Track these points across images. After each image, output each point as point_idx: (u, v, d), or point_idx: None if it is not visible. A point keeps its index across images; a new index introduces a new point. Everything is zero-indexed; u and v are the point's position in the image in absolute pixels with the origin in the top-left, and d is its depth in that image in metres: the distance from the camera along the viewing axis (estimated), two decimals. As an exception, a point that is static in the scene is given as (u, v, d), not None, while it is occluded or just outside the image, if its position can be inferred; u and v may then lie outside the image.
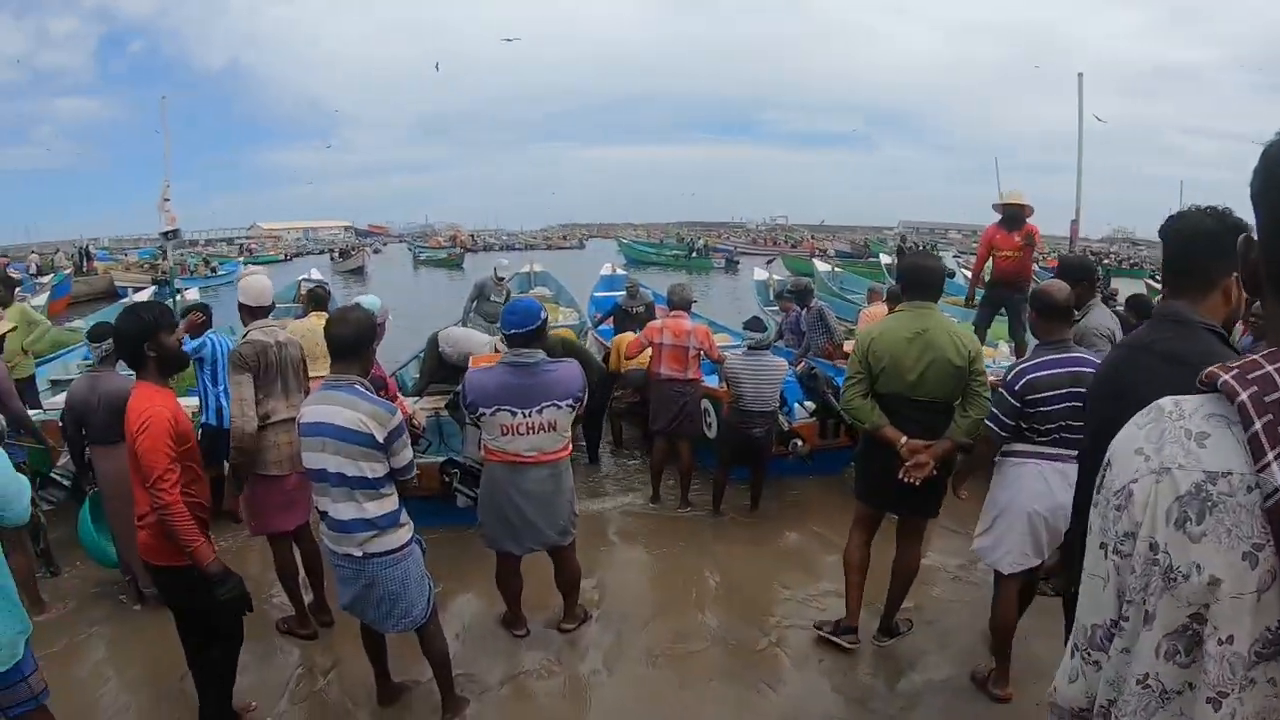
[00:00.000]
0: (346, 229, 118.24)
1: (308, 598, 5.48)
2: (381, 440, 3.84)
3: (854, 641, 5.07)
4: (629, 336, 8.61)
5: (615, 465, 9.10)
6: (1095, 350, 4.81)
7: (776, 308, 12.98)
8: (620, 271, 19.54)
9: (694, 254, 49.74)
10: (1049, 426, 4.25)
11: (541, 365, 4.76)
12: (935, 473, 4.57)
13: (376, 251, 63.03)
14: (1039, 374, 4.21)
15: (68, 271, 33.55)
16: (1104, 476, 1.28)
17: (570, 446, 5.05)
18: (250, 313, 5.43)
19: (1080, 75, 13.94)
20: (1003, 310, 9.43)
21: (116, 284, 31.50)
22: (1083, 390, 3.92)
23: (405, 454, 3.99)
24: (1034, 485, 4.31)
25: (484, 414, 4.76)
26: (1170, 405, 1.23)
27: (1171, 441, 1.18)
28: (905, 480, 4.52)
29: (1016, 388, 4.23)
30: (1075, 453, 3.88)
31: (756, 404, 7.00)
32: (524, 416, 4.72)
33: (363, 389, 3.93)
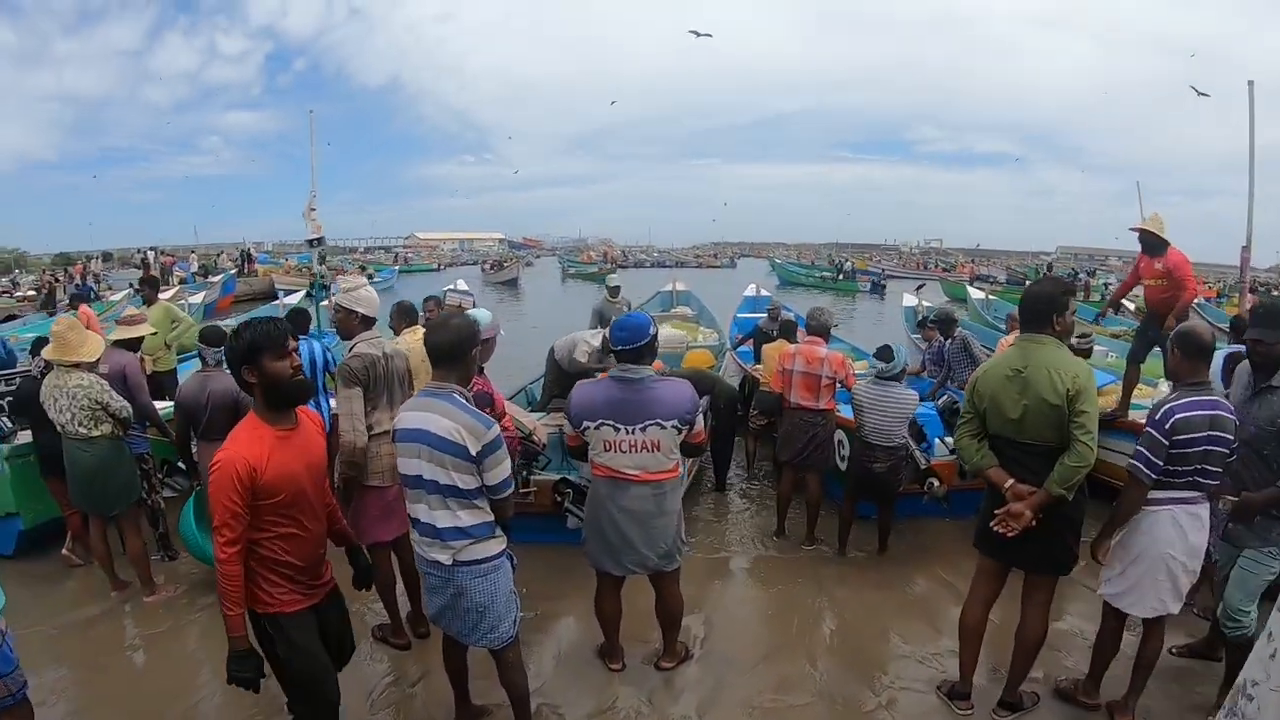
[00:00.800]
0: (500, 241, 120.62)
1: (406, 609, 5.49)
2: (475, 453, 3.69)
3: (965, 708, 4.70)
4: (784, 346, 8.10)
5: (743, 493, 8.77)
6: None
7: (920, 336, 12.51)
8: (765, 293, 19.08)
9: (841, 276, 49.15)
10: (1186, 469, 4.19)
11: (647, 382, 4.57)
12: (1035, 524, 4.13)
13: (528, 265, 63.84)
14: (1187, 414, 4.15)
15: (234, 271, 36.19)
16: None
17: (679, 468, 4.81)
18: (362, 323, 5.35)
19: (1251, 84, 13.01)
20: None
21: (276, 285, 33.02)
22: (1220, 434, 4.16)
23: (499, 471, 3.79)
24: (1168, 531, 4.24)
25: (587, 427, 4.64)
26: None
27: None
28: (999, 530, 4.19)
29: (1166, 427, 4.14)
30: (1205, 495, 4.26)
31: (878, 437, 6.65)
32: (627, 433, 4.56)
33: (461, 398, 3.82)
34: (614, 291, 12.05)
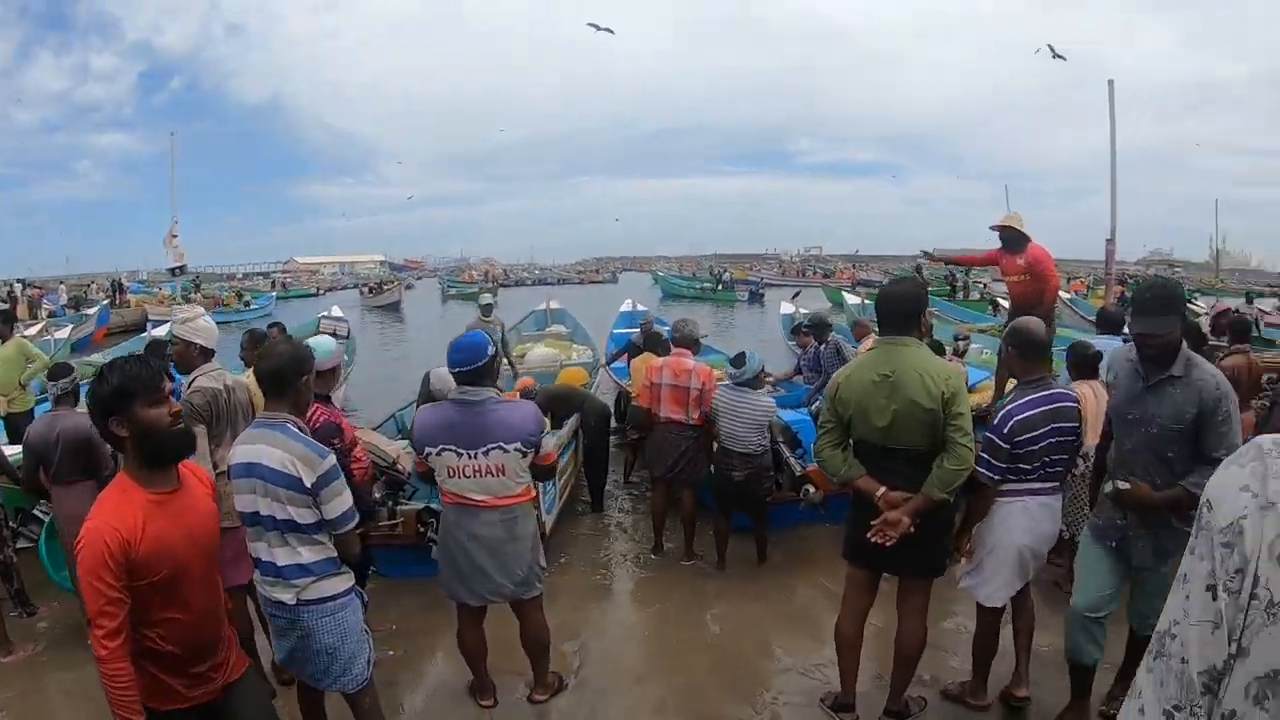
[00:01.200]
0: (381, 263, 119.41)
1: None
2: (310, 485, 3.46)
3: None
4: (651, 360, 8.03)
5: (621, 511, 8.57)
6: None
7: (795, 342, 12.47)
8: (641, 307, 18.81)
9: (720, 287, 49.65)
10: (1034, 464, 4.28)
11: (488, 404, 4.38)
12: (913, 530, 3.99)
13: (409, 287, 63.00)
14: (1026, 414, 4.22)
15: (106, 302, 34.60)
16: (1205, 518, 1.33)
17: (531, 491, 4.62)
18: (201, 354, 5.00)
19: (1111, 83, 13.35)
20: None
21: (149, 316, 31.65)
22: (1063, 425, 4.29)
23: (338, 503, 3.54)
24: (1021, 521, 4.32)
25: (430, 453, 4.42)
26: (1269, 444, 1.30)
27: (1275, 477, 1.24)
28: (877, 540, 4.01)
29: (1005, 430, 4.21)
30: (1057, 484, 4.45)
31: (733, 443, 6.54)
32: (470, 458, 4.35)
33: (294, 428, 3.60)
34: (486, 310, 11.83)
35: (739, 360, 6.73)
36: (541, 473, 4.70)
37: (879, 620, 4.68)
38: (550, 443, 4.61)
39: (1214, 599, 1.29)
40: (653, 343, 8.68)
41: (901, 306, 4.16)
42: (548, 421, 7.39)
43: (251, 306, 42.61)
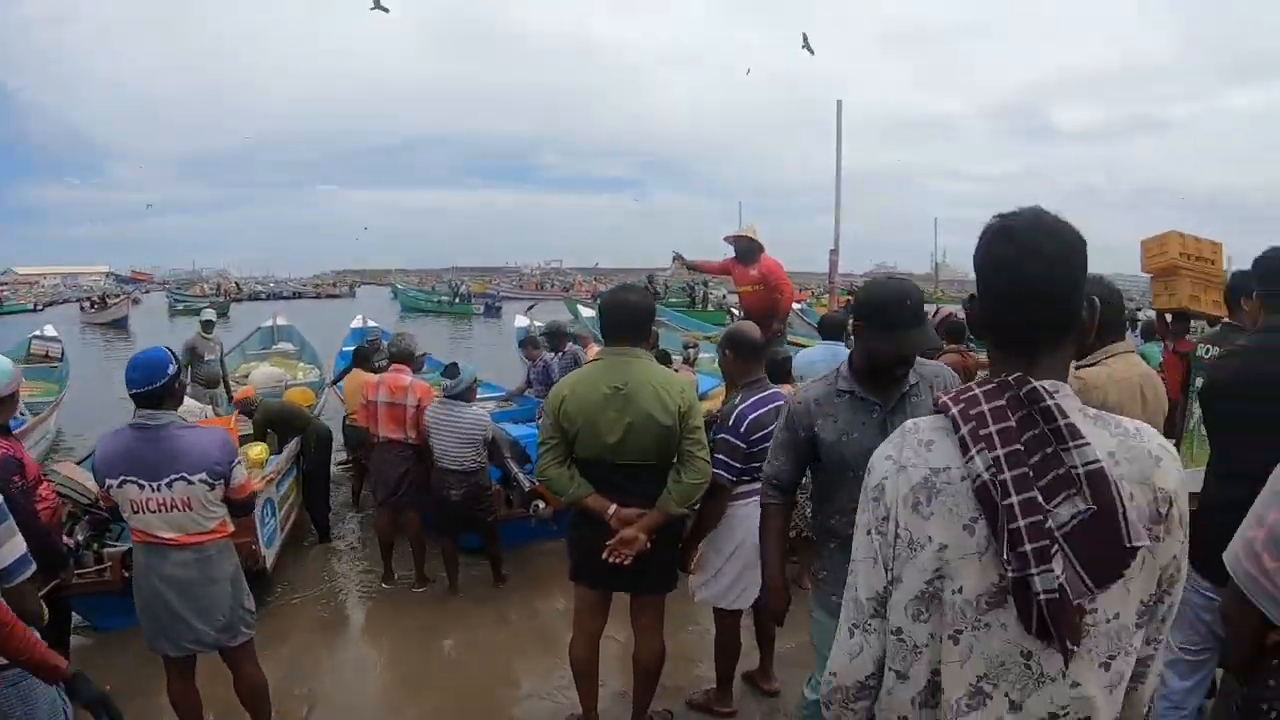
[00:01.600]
0: (107, 275, 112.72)
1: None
2: None
3: None
4: (363, 376, 7.74)
5: (351, 539, 8.10)
6: None
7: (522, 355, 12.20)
8: (373, 323, 18.16)
9: (457, 300, 49.30)
10: (762, 463, 4.01)
11: (170, 430, 3.88)
12: (649, 546, 3.87)
13: (136, 301, 59.59)
14: (758, 413, 4.20)
15: None
16: (864, 481, 1.70)
17: (229, 526, 4.15)
18: None
19: (840, 102, 13.76)
20: None
21: None
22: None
23: (8, 550, 2.98)
24: (757, 521, 3.93)
25: (111, 486, 3.88)
26: (911, 424, 1.69)
27: (908, 448, 1.64)
28: (614, 560, 3.87)
29: (742, 430, 4.17)
30: None
31: (447, 461, 6.31)
32: (153, 491, 3.84)
33: None
34: (207, 326, 11.00)
35: (451, 371, 6.53)
36: (237, 508, 4.21)
37: (620, 634, 4.59)
38: (241, 473, 4.13)
39: (871, 540, 1.67)
40: (361, 358, 8.40)
41: (631, 317, 4.01)
42: (264, 445, 7.02)
43: (-41, 323, 39.62)
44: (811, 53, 20.30)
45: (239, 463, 4.10)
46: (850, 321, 3.53)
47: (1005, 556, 1.48)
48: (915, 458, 1.62)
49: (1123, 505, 1.48)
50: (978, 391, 1.60)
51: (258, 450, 7.24)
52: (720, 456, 4.13)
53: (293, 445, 7.67)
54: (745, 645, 4.73)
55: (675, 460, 3.94)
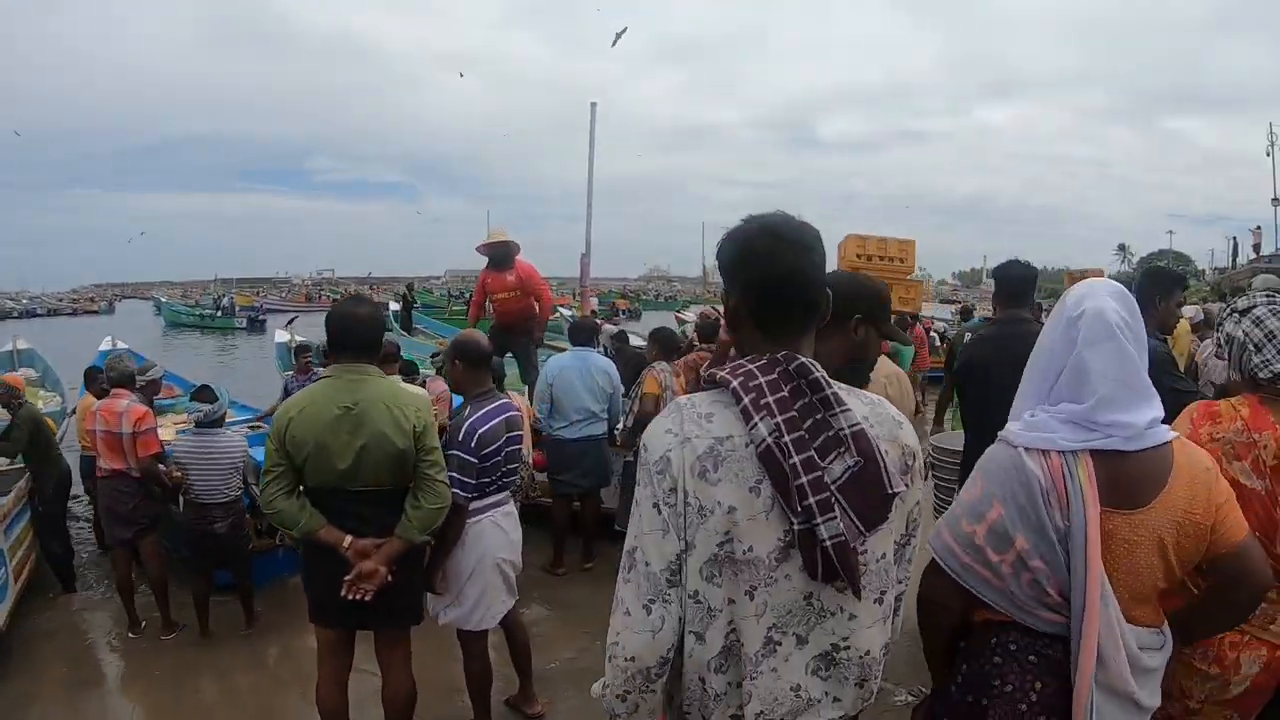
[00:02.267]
0: None
1: None
2: None
3: None
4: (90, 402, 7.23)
5: (99, 586, 7.37)
6: None
7: (293, 372, 11.45)
8: (122, 344, 16.51)
9: (220, 313, 47.50)
10: (496, 476, 4.31)
11: None
12: (390, 579, 3.68)
13: None
14: (487, 426, 4.21)
15: None
16: (641, 457, 1.83)
17: None
18: None
19: (594, 105, 13.67)
20: (511, 355, 9.13)
21: None
22: (515, 434, 4.45)
23: None
24: (495, 537, 4.32)
25: None
26: (684, 400, 1.87)
27: (689, 421, 1.78)
28: (353, 596, 3.63)
29: (473, 444, 4.16)
30: (510, 494, 4.54)
31: (210, 494, 5.96)
32: None
33: None
34: None
35: (206, 395, 6.16)
36: None
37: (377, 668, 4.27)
38: None
39: (659, 513, 1.76)
40: (90, 379, 7.78)
41: (360, 331, 3.77)
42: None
43: None
44: (624, 31, 20.12)
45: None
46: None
47: (796, 509, 1.68)
48: (697, 429, 1.76)
49: (882, 459, 1.75)
50: (751, 367, 1.78)
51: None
52: (453, 474, 3.99)
53: (21, 484, 6.88)
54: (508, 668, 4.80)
55: (412, 484, 3.79)
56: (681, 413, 1.81)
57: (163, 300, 67.22)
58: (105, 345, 15.81)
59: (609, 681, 1.84)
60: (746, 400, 1.72)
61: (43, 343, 18.04)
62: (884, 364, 3.61)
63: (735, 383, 1.75)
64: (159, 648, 6.15)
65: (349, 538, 3.63)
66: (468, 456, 4.06)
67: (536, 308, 8.98)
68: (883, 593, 1.84)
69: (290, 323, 23.88)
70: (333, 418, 3.58)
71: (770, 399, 1.73)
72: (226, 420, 6.50)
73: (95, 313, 73.21)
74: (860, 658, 1.82)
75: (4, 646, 5.98)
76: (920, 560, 2.07)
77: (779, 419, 1.71)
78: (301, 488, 3.74)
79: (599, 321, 13.13)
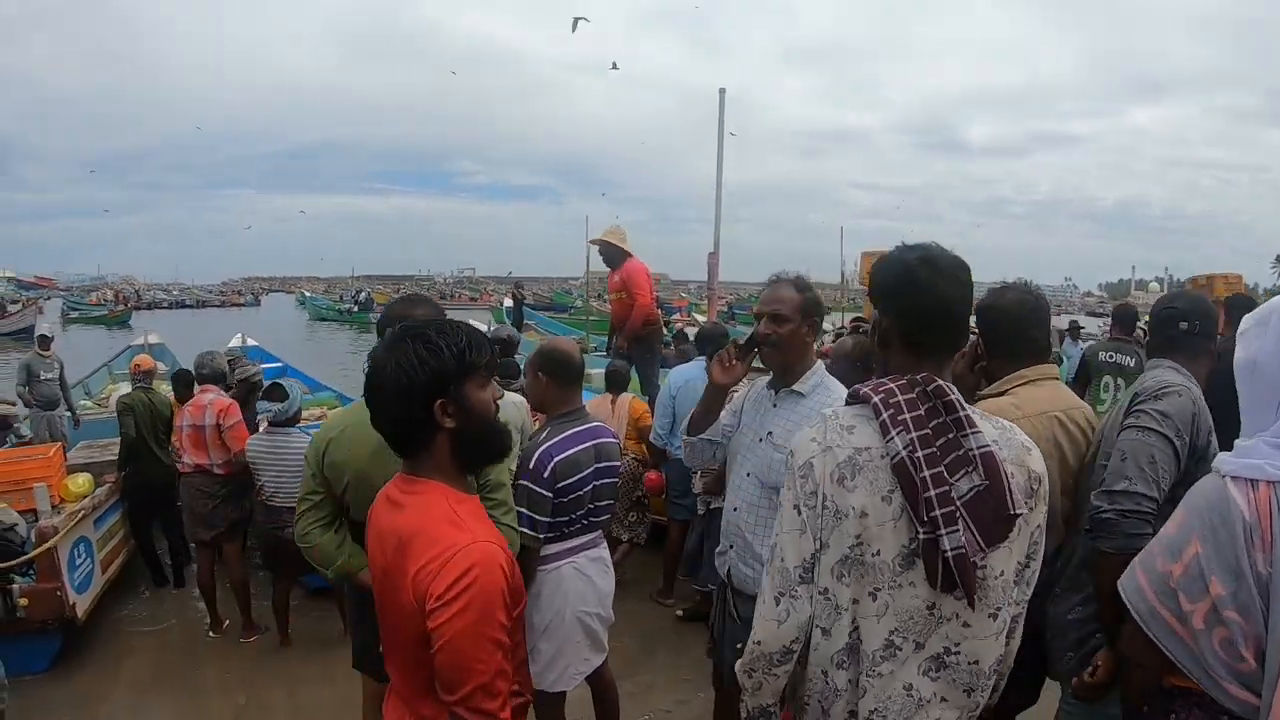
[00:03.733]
0: (9, 279, 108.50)
1: None
2: None
3: None
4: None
5: (191, 582, 7.05)
6: None
7: None
8: (252, 341, 16.72)
9: (357, 308, 48.34)
10: (579, 513, 3.61)
11: None
12: None
13: (40, 311, 57.12)
14: (567, 454, 3.51)
15: None
16: (790, 462, 1.98)
17: None
18: None
19: (722, 91, 13.08)
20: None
21: None
22: (607, 464, 3.71)
23: None
24: (576, 586, 3.63)
25: None
26: (830, 412, 2.02)
27: (832, 431, 1.91)
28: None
29: (545, 475, 3.44)
30: (600, 533, 3.82)
31: (282, 498, 5.58)
32: None
33: None
34: (44, 343, 10.16)
35: (277, 393, 5.83)
36: None
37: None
38: None
39: (799, 514, 1.92)
40: (183, 383, 7.20)
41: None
42: (89, 478, 6.31)
43: None
44: (587, 20, 19.46)
45: None
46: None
47: (922, 519, 1.80)
48: (839, 439, 1.92)
49: (1007, 481, 1.85)
50: (892, 385, 1.90)
51: (81, 482, 6.39)
52: (522, 510, 3.36)
53: (117, 476, 6.83)
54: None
55: None
56: (827, 424, 1.95)
57: (306, 294, 68.87)
58: (235, 342, 15.87)
59: (743, 657, 2.03)
60: (885, 416, 1.86)
61: (183, 336, 18.22)
62: (1049, 397, 3.05)
63: (876, 399, 1.90)
64: (236, 650, 5.99)
65: None
66: (539, 490, 3.42)
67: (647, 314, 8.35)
68: (999, 609, 1.92)
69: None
70: (377, 442, 2.57)
71: (907, 416, 1.86)
72: (302, 418, 6.28)
73: (241, 305, 75.49)
74: (970, 665, 1.93)
75: (85, 636, 5.87)
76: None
77: (913, 435, 1.83)
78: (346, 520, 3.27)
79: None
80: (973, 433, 1.86)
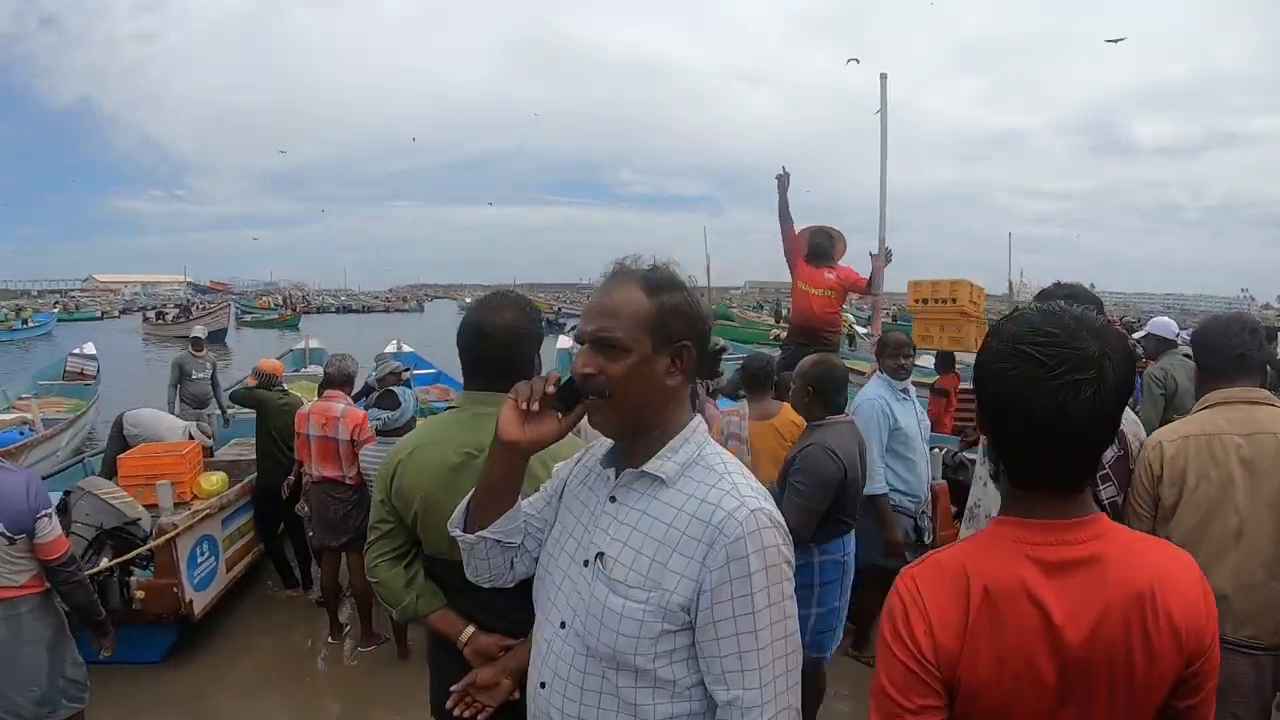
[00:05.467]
0: (187, 284, 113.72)
1: None
2: None
3: None
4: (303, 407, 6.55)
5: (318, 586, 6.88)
6: None
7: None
8: (408, 348, 16.72)
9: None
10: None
11: None
12: (518, 697, 2.29)
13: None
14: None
15: None
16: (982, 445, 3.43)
17: (42, 582, 3.52)
18: None
19: (883, 76, 12.58)
20: None
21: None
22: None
23: None
24: None
25: None
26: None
27: None
28: (460, 713, 2.37)
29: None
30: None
31: None
32: None
33: None
34: (197, 344, 10.38)
35: (388, 400, 5.58)
36: (52, 571, 3.51)
37: None
38: (51, 529, 3.46)
39: (985, 486, 3.12)
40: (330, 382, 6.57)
41: (494, 346, 2.49)
42: (223, 476, 6.28)
43: (30, 324, 41.17)
44: (857, 61, 19.14)
45: (46, 515, 3.45)
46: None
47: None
48: None
49: (1130, 450, 2.71)
50: None
51: (214, 480, 6.46)
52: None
53: (248, 480, 6.78)
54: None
55: None
56: None
57: (468, 301, 70.20)
58: (390, 348, 15.93)
59: None
60: None
61: (344, 340, 18.45)
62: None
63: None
64: (353, 659, 5.91)
65: (470, 628, 2.45)
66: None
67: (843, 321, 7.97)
68: None
69: (573, 329, 23.82)
70: (449, 466, 2.45)
71: None
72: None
73: (405, 310, 78.52)
74: None
75: (204, 631, 5.87)
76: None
77: None
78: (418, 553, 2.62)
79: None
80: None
